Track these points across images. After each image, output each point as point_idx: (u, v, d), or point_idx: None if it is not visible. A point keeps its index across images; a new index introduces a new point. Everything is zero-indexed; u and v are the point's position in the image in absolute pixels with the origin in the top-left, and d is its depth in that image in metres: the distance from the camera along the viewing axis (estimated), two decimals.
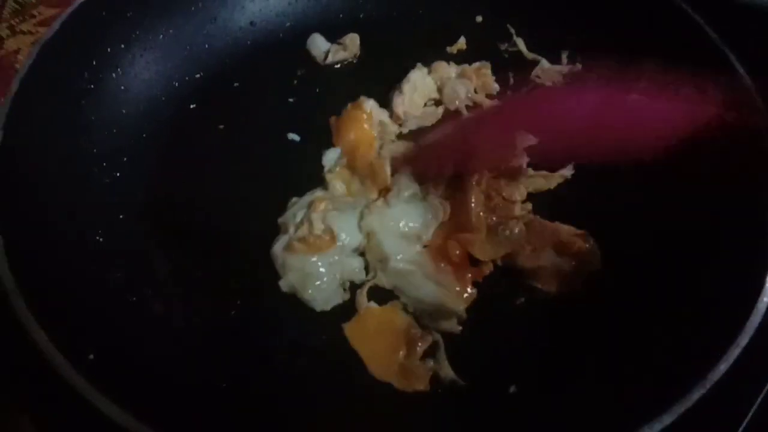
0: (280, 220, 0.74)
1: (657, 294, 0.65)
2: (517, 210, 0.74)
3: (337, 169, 0.79)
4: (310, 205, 0.73)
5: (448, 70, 0.89)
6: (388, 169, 0.76)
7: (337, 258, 0.71)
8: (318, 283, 0.69)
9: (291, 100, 0.87)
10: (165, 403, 0.56)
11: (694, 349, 0.56)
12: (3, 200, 0.62)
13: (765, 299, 0.56)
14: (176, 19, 0.86)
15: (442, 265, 0.70)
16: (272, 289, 0.70)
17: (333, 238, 0.71)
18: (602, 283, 0.69)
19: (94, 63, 0.78)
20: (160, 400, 0.56)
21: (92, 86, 0.77)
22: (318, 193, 0.77)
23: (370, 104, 0.83)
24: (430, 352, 0.65)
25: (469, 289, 0.69)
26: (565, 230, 0.72)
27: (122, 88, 0.80)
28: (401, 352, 0.65)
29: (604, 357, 0.62)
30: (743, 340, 0.54)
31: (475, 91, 0.87)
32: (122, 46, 0.81)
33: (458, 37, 0.92)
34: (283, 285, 0.70)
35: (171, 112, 0.83)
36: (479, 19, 0.94)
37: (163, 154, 0.79)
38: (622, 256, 0.69)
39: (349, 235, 0.72)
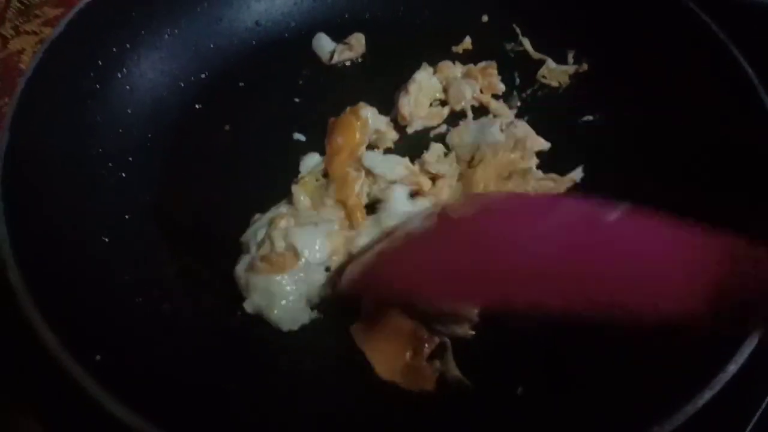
0: (241, 238, 0.72)
1: None
2: None
3: (305, 178, 0.77)
4: (271, 222, 0.71)
5: (453, 69, 0.88)
6: (357, 187, 0.74)
7: (302, 275, 0.68)
8: (284, 302, 0.67)
9: (297, 100, 0.87)
10: (172, 403, 0.56)
11: (702, 350, 0.56)
12: (10, 201, 0.61)
13: None
14: (182, 19, 0.86)
15: None
16: None
17: (296, 255, 0.68)
18: None
19: (100, 63, 0.77)
20: (168, 401, 0.55)
21: (98, 86, 0.77)
22: (281, 208, 0.74)
23: (367, 111, 0.82)
24: (437, 353, 0.65)
25: None
26: None
27: (128, 88, 0.80)
28: (408, 353, 0.65)
29: (611, 359, 0.62)
30: (752, 340, 0.53)
31: (481, 91, 0.87)
32: (128, 46, 0.81)
33: (464, 37, 0.92)
34: (248, 306, 0.67)
35: (177, 112, 0.83)
36: (485, 18, 0.94)
37: (169, 155, 0.79)
38: None
39: (312, 252, 0.68)
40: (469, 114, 0.85)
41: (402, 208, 0.73)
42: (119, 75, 0.80)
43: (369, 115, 0.81)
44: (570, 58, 0.90)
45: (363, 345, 0.65)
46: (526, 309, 0.50)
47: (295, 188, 0.75)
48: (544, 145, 0.80)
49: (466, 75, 0.88)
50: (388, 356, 0.65)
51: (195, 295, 0.69)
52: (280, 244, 0.68)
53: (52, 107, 0.71)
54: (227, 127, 0.83)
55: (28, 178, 0.66)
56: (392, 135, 0.83)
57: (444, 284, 0.54)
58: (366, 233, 0.71)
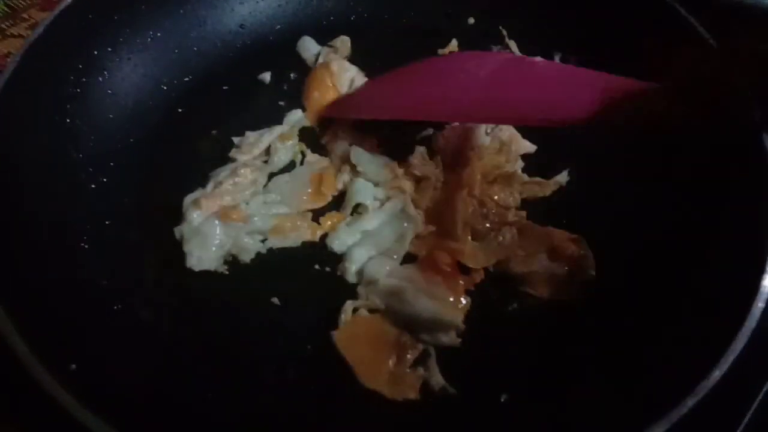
0: (210, 173, 0.76)
1: (651, 301, 0.64)
2: (511, 216, 0.73)
3: (287, 143, 0.80)
4: (233, 172, 0.74)
5: None
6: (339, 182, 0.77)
7: (235, 233, 0.71)
8: (204, 242, 0.70)
9: (281, 103, 0.86)
10: (150, 415, 0.55)
11: (688, 355, 0.55)
12: None
13: (760, 304, 0.55)
14: (164, 21, 0.85)
15: (433, 277, 0.68)
16: (262, 299, 0.69)
17: (243, 218, 0.72)
18: (595, 291, 0.68)
19: (81, 66, 0.77)
20: (145, 413, 0.55)
21: (78, 90, 0.76)
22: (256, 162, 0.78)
23: (337, 63, 0.85)
24: (421, 360, 0.64)
25: (463, 300, 0.68)
26: (558, 234, 0.71)
27: (109, 92, 0.79)
28: (391, 360, 0.64)
29: (596, 365, 0.61)
30: (738, 345, 0.53)
31: None
32: (109, 49, 0.80)
33: (450, 39, 0.91)
34: (176, 231, 0.71)
35: (159, 117, 0.82)
36: (471, 21, 0.94)
37: (151, 159, 0.78)
38: (617, 263, 0.68)
39: (261, 222, 0.73)
40: None
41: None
42: (100, 78, 0.79)
43: (339, 66, 0.85)
44: (556, 60, 0.89)
45: (345, 352, 0.64)
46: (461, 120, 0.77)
47: (274, 141, 0.78)
48: (529, 147, 0.80)
49: None
50: (370, 364, 0.64)
51: (175, 302, 0.68)
52: (233, 197, 0.73)
53: (31, 111, 0.70)
54: (210, 131, 0.82)
55: (5, 182, 0.65)
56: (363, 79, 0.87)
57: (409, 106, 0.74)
58: (339, 236, 0.73)
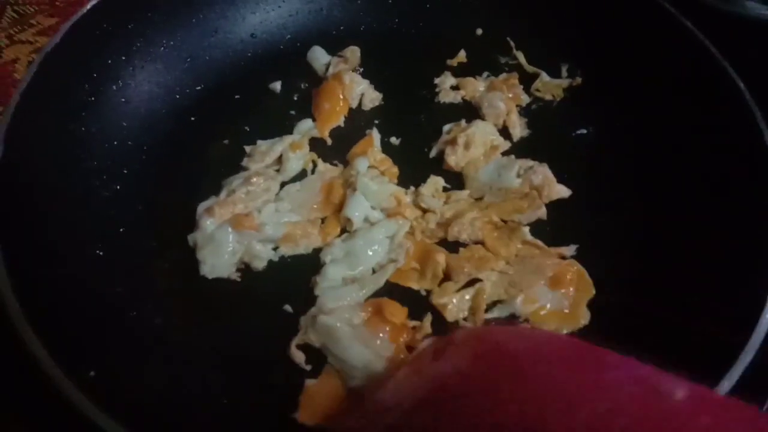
0: (223, 181, 0.77)
1: (657, 312, 0.64)
2: (499, 265, 0.71)
3: (298, 152, 0.80)
4: (246, 180, 0.75)
5: (476, 84, 0.89)
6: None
7: (248, 240, 0.72)
8: (217, 250, 0.71)
9: (292, 112, 0.87)
10: (165, 418, 0.55)
11: (695, 367, 0.56)
12: (3, 213, 0.61)
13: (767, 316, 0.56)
14: (177, 31, 0.86)
15: (378, 325, 0.65)
16: (274, 306, 0.69)
17: (256, 226, 0.73)
18: (599, 305, 0.68)
19: (95, 75, 0.78)
20: (161, 416, 0.55)
21: (93, 98, 0.77)
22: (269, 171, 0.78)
23: (349, 76, 0.86)
24: None
25: (402, 355, 0.63)
26: (552, 263, 0.70)
27: (123, 100, 0.80)
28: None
29: None
30: (747, 356, 0.54)
31: None
32: (123, 58, 0.81)
33: (458, 50, 0.93)
34: (190, 239, 0.72)
35: (171, 125, 0.83)
36: (479, 32, 0.95)
37: (163, 167, 0.79)
38: (615, 279, 0.69)
39: (273, 230, 0.73)
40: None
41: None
42: (114, 87, 0.80)
43: (351, 79, 0.86)
44: (564, 71, 0.90)
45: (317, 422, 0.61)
46: None
47: (285, 150, 0.79)
48: (564, 192, 0.77)
49: (490, 88, 0.88)
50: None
51: (188, 309, 0.69)
52: (246, 206, 0.74)
53: (46, 119, 0.71)
54: (222, 140, 0.83)
55: (21, 190, 0.66)
56: (375, 95, 0.87)
57: None
58: (330, 251, 0.72)
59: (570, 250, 0.72)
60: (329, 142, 0.84)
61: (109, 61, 0.79)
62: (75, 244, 0.68)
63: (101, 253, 0.69)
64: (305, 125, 0.84)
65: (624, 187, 0.78)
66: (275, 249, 0.74)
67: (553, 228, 0.75)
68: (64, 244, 0.66)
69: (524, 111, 0.87)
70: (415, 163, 0.81)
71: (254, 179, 0.76)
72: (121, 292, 0.67)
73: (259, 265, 0.72)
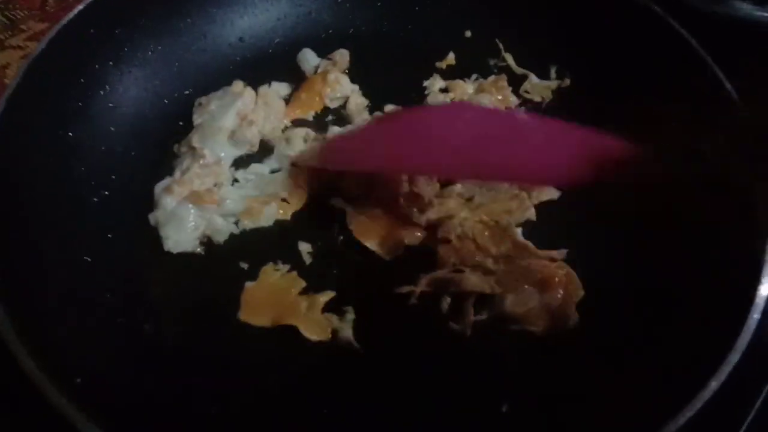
0: (174, 162, 0.79)
1: (645, 313, 0.65)
2: (489, 263, 0.71)
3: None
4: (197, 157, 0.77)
5: (465, 86, 0.89)
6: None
7: (209, 215, 0.74)
8: (179, 225, 0.73)
9: None
10: (154, 429, 0.55)
11: (683, 366, 0.56)
12: None
13: (755, 315, 0.56)
14: (165, 35, 0.86)
15: None
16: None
17: (216, 201, 0.75)
18: (590, 306, 0.68)
19: (82, 80, 0.77)
20: (150, 426, 0.55)
21: (80, 104, 0.76)
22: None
23: (335, 76, 0.87)
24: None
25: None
26: (541, 265, 0.70)
27: (111, 105, 0.80)
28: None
29: (595, 377, 0.62)
30: (735, 356, 0.54)
31: None
32: (111, 63, 0.81)
33: (447, 53, 0.92)
34: (151, 218, 0.74)
35: (160, 130, 0.82)
36: (468, 34, 0.94)
37: (152, 173, 0.78)
38: (606, 280, 0.69)
39: (234, 204, 0.76)
40: None
41: None
42: (102, 92, 0.79)
43: (336, 79, 0.87)
44: (552, 73, 0.90)
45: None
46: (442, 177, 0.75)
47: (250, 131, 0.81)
48: (552, 194, 0.78)
49: (479, 90, 0.88)
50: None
51: (179, 315, 0.69)
52: (205, 181, 0.76)
53: (33, 126, 0.71)
54: None
55: (8, 196, 0.65)
56: (360, 100, 0.87)
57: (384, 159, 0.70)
58: None
59: (561, 253, 0.72)
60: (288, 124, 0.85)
61: (97, 66, 0.79)
62: (63, 250, 0.67)
63: (89, 260, 0.69)
64: None
65: (613, 187, 0.77)
66: (236, 223, 0.76)
67: (542, 229, 0.75)
68: (52, 251, 0.66)
69: None
70: None
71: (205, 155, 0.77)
72: (110, 299, 0.67)
73: (221, 238, 0.74)
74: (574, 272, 0.70)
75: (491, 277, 0.70)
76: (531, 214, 0.75)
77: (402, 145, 0.66)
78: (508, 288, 0.68)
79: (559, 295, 0.68)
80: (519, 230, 0.73)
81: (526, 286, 0.68)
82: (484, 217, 0.74)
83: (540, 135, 0.60)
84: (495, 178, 0.72)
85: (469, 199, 0.77)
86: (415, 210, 0.74)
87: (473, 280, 0.69)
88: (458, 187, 0.78)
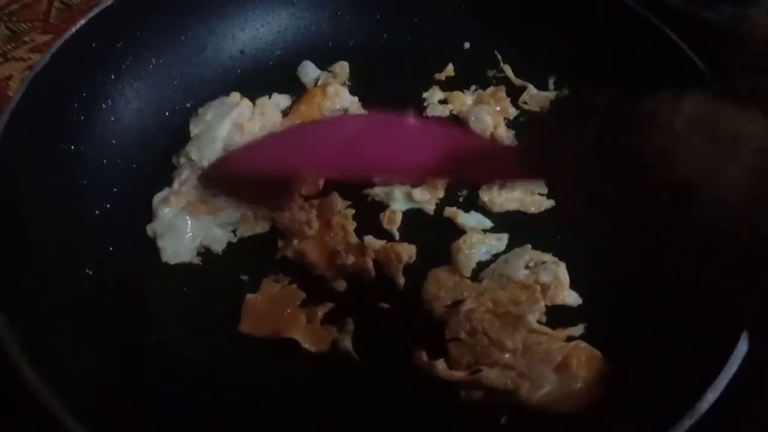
0: (173, 174, 0.79)
1: (640, 332, 0.65)
2: (506, 357, 0.64)
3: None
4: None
5: (464, 98, 0.89)
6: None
7: (207, 225, 0.75)
8: (177, 236, 0.74)
9: None
10: None
11: (682, 379, 0.56)
12: None
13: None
14: (166, 48, 0.86)
15: None
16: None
17: (212, 211, 0.75)
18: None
19: (85, 94, 0.78)
20: None
21: (82, 117, 0.77)
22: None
23: (334, 89, 0.88)
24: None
25: None
26: (559, 348, 0.64)
27: (112, 118, 0.80)
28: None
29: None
30: (730, 369, 0.54)
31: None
32: (113, 76, 0.81)
33: (446, 64, 0.93)
34: (149, 229, 0.75)
35: (161, 142, 0.83)
36: (467, 45, 0.95)
37: (154, 185, 0.79)
38: (605, 298, 0.70)
39: (229, 214, 0.76)
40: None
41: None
42: (104, 105, 0.80)
43: (335, 92, 0.87)
44: (551, 83, 0.91)
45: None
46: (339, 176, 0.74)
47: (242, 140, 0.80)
48: (573, 300, 0.70)
49: (478, 101, 0.89)
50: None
51: (180, 327, 0.69)
52: (200, 193, 0.77)
53: (35, 139, 0.71)
54: None
55: (10, 209, 0.66)
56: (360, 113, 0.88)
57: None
58: None
59: (578, 329, 0.67)
60: None
61: (99, 80, 0.80)
62: (64, 263, 0.68)
63: (90, 272, 0.69)
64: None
65: (611, 198, 0.78)
66: (233, 231, 0.76)
67: (541, 239, 0.75)
68: (53, 264, 0.67)
69: (512, 123, 0.88)
70: None
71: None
72: (110, 310, 0.67)
73: (219, 248, 0.75)
74: (593, 350, 0.65)
75: (511, 371, 0.63)
76: (540, 308, 0.68)
77: (294, 151, 0.65)
78: (528, 377, 0.63)
79: (579, 375, 0.63)
80: (532, 318, 0.67)
81: (546, 372, 0.63)
82: (490, 305, 0.67)
83: (408, 132, 0.60)
84: (367, 173, 0.69)
85: (475, 280, 0.72)
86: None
87: (492, 377, 0.62)
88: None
